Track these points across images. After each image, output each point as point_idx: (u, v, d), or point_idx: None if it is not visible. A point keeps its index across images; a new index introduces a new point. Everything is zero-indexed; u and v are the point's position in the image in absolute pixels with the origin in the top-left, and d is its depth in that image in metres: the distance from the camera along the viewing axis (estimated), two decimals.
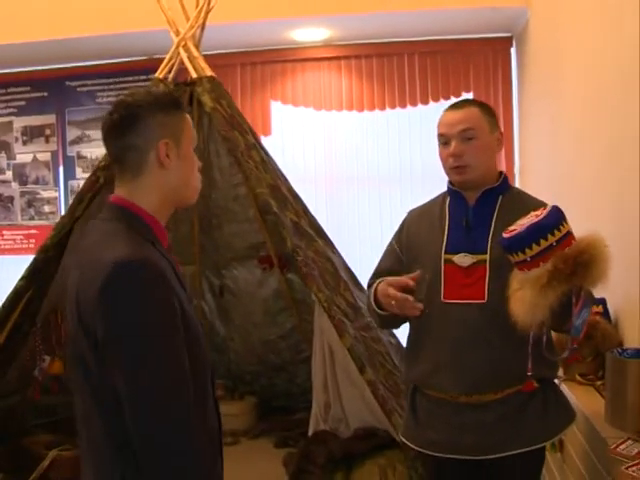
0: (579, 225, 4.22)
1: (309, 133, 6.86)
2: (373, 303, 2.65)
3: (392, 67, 6.58)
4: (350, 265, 5.02)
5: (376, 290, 2.62)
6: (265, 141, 6.75)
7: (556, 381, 2.76)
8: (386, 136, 6.68)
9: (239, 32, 6.27)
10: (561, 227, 2.25)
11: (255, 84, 6.81)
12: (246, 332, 6.06)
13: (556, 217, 2.27)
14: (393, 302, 2.49)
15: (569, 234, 2.28)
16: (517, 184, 6.53)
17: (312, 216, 4.89)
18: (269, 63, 6.75)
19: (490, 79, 6.50)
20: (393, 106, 6.58)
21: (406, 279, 2.48)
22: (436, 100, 6.47)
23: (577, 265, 2.20)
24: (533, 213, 2.31)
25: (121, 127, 1.82)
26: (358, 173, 6.80)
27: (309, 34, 6.38)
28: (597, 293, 3.59)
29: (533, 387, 2.49)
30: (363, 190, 6.81)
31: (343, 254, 5.08)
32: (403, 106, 6.55)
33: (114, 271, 1.62)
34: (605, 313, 3.58)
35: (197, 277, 6.06)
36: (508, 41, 6.48)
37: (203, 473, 1.68)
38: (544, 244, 2.23)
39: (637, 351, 2.88)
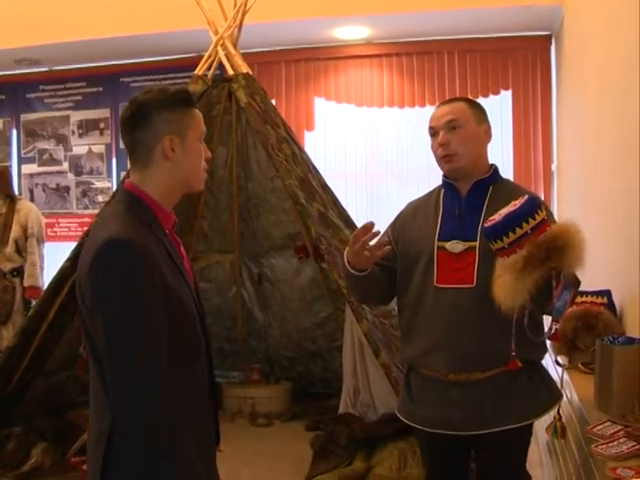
0: (595, 219, 4.34)
1: (351, 128, 7.08)
2: (347, 265, 2.78)
3: (432, 65, 6.75)
4: None
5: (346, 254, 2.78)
6: (308, 136, 7.01)
7: (544, 363, 2.87)
8: (426, 132, 6.79)
9: (283, 30, 6.52)
10: (536, 215, 2.40)
11: (299, 81, 7.05)
12: (283, 319, 6.30)
13: (531, 206, 2.41)
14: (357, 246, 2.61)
15: (544, 221, 2.41)
16: (555, 182, 6.63)
17: (342, 208, 5.09)
18: (312, 60, 7.00)
19: (529, 77, 6.60)
20: (433, 103, 6.70)
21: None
22: (475, 97, 6.55)
23: (550, 250, 2.33)
24: (512, 202, 2.46)
25: (132, 123, 2.04)
26: (398, 168, 6.99)
27: (350, 32, 6.59)
28: (601, 284, 3.74)
29: (517, 366, 2.61)
30: (403, 185, 6.99)
31: None
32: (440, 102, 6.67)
33: (101, 247, 1.85)
34: (610, 304, 3.69)
35: (237, 265, 6.31)
36: (547, 39, 6.56)
37: (170, 428, 1.83)
38: (519, 232, 2.38)
39: (627, 339, 2.99)
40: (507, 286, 2.39)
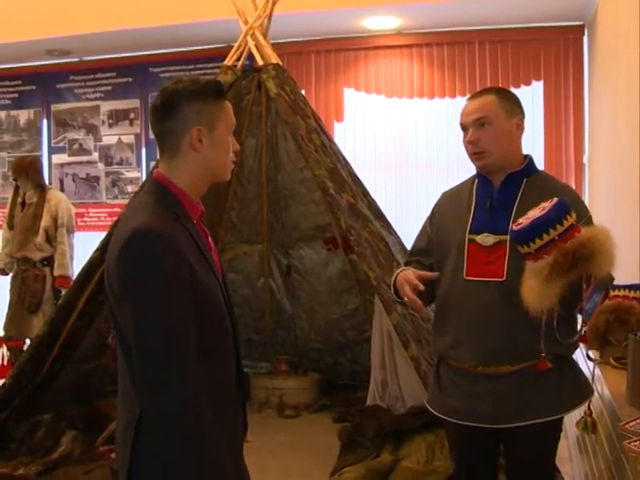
0: (627, 212, 4.28)
1: (381, 119, 7.04)
2: (392, 289, 2.83)
3: (463, 55, 6.69)
4: None
5: (396, 278, 2.79)
6: (338, 127, 6.99)
7: (575, 357, 2.84)
8: (456, 123, 6.75)
9: (313, 21, 6.51)
10: (564, 221, 2.36)
11: (329, 71, 7.03)
12: (312, 311, 6.30)
13: (559, 211, 2.38)
14: (405, 298, 2.67)
15: (573, 227, 2.37)
16: (586, 174, 6.56)
17: (371, 199, 5.07)
18: (343, 51, 6.97)
19: (561, 68, 6.50)
20: (463, 94, 6.66)
21: (418, 282, 2.64)
22: (506, 88, 6.49)
23: (576, 259, 2.31)
24: (542, 204, 2.43)
25: (162, 112, 2.03)
26: (428, 159, 6.95)
27: (380, 22, 6.56)
28: (634, 278, 3.69)
29: (546, 367, 2.59)
30: (432, 176, 6.94)
31: (410, 238, 5.25)
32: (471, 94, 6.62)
33: (130, 237, 1.85)
34: None
35: (265, 256, 6.32)
36: (580, 29, 6.47)
37: (196, 419, 1.84)
38: (546, 238, 2.35)
39: None
40: (534, 290, 2.37)
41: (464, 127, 2.73)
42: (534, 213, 2.41)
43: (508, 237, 2.61)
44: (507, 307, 2.57)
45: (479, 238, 2.67)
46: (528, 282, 2.39)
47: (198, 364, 1.86)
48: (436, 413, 2.85)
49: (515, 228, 2.45)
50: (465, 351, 2.68)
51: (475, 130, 2.67)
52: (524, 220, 2.42)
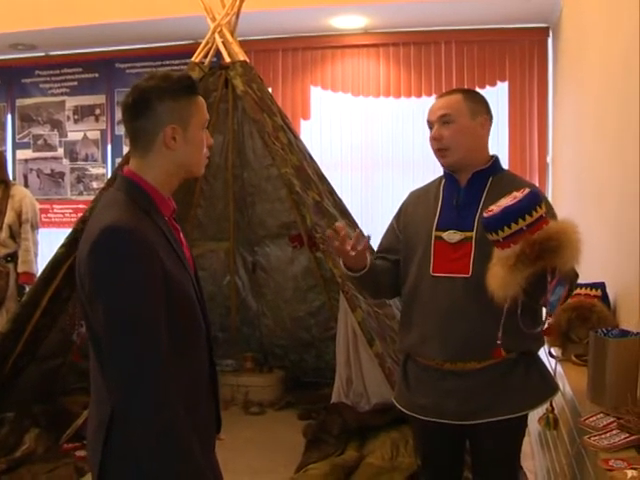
0: (590, 211, 4.35)
1: (347, 118, 7.06)
2: (345, 269, 2.84)
3: (429, 55, 6.74)
4: None
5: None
6: (304, 125, 7.00)
7: (541, 355, 2.88)
8: (422, 123, 6.80)
9: (281, 18, 6.50)
10: (533, 212, 2.38)
11: (296, 69, 7.04)
12: (277, 308, 6.31)
13: (530, 201, 2.40)
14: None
15: (542, 219, 2.39)
16: (550, 174, 6.64)
17: (337, 197, 5.09)
18: (310, 49, 6.98)
19: (526, 69, 6.58)
20: (429, 93, 6.72)
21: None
22: (472, 88, 6.55)
23: (542, 250, 2.33)
24: (514, 194, 2.45)
25: (134, 111, 2.02)
26: (394, 158, 6.99)
27: (347, 21, 6.58)
28: (596, 277, 3.75)
29: (501, 355, 2.60)
30: (398, 175, 6.98)
31: (376, 236, 5.28)
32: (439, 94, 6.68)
33: (101, 235, 1.84)
34: (604, 297, 3.69)
35: (231, 253, 6.32)
36: (545, 31, 6.55)
37: (169, 415, 1.83)
38: (515, 227, 2.37)
39: (621, 331, 2.99)
40: (499, 278, 2.40)
41: (430, 124, 2.78)
42: (505, 201, 2.43)
43: (474, 234, 2.66)
44: (473, 303, 2.62)
45: (445, 235, 2.71)
46: (494, 269, 2.41)
47: (171, 360, 1.85)
48: (403, 410, 2.87)
49: (486, 215, 2.46)
50: (432, 347, 2.71)
51: (439, 127, 2.73)
52: (495, 207, 2.44)
